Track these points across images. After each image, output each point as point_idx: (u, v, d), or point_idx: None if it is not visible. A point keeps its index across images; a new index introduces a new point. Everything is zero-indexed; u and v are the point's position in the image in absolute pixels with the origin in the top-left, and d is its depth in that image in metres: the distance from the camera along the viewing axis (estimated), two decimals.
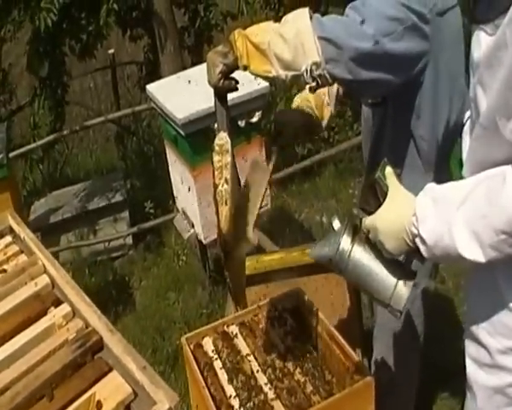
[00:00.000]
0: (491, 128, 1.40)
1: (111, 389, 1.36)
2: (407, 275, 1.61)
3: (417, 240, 1.47)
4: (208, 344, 2.14)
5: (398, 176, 1.59)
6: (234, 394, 1.93)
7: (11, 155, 4.08)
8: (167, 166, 3.97)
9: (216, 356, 2.08)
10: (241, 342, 2.14)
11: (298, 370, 2.00)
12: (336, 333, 2.05)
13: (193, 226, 3.73)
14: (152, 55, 5.94)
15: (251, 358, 2.07)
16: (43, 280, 1.74)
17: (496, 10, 1.35)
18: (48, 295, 1.71)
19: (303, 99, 2.42)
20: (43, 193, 5.67)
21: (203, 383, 1.94)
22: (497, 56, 1.35)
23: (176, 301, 4.39)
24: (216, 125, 2.05)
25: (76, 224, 5.07)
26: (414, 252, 1.51)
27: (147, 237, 5.23)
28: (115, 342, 1.47)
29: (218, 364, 2.05)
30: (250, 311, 2.29)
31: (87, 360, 1.46)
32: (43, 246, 1.91)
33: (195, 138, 3.37)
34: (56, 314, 1.62)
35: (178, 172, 3.73)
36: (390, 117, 2.17)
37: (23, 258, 1.88)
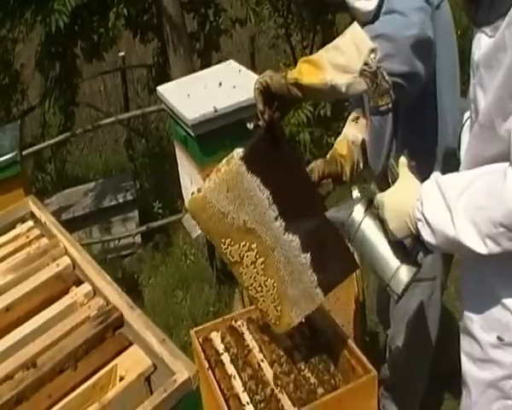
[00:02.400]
0: (489, 126, 1.46)
1: (132, 361, 1.41)
2: (411, 262, 1.66)
3: (419, 224, 1.52)
4: (216, 338, 2.20)
5: (412, 167, 1.64)
6: (241, 387, 1.98)
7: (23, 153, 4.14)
8: (176, 168, 4.03)
9: (224, 350, 2.13)
10: (248, 337, 2.19)
11: (304, 365, 2.05)
12: (341, 329, 2.10)
13: None
14: (161, 59, 6.00)
15: (258, 352, 2.11)
16: (65, 261, 1.79)
17: (496, 13, 1.41)
18: (69, 275, 1.75)
19: (337, 152, 2.46)
20: (52, 192, 5.74)
21: (212, 376, 1.99)
22: (497, 58, 1.41)
23: (183, 299, 4.45)
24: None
25: (86, 222, 5.14)
26: (414, 239, 1.57)
27: (155, 237, 5.30)
28: (135, 318, 1.52)
29: (226, 357, 2.10)
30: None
31: (108, 335, 1.50)
32: (64, 229, 1.96)
33: (205, 139, 3.43)
34: (78, 293, 1.67)
35: (187, 172, 3.79)
36: (402, 117, 2.25)
37: (45, 241, 1.93)
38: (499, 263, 1.51)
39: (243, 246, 1.85)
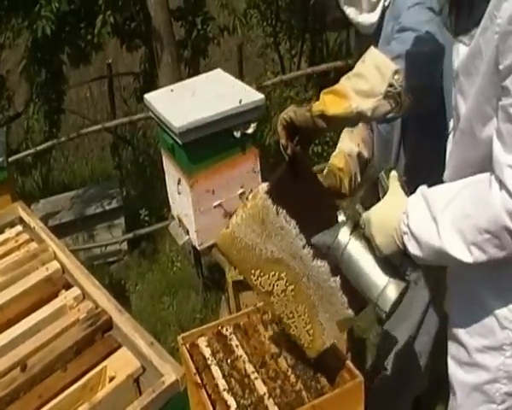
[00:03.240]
0: (469, 132, 1.49)
1: (121, 363, 1.43)
2: (399, 279, 1.67)
3: (405, 237, 1.54)
4: (203, 344, 2.21)
5: (403, 181, 1.67)
6: (228, 392, 1.99)
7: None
8: (163, 175, 4.04)
9: (211, 355, 2.15)
10: (235, 343, 2.20)
11: (290, 370, 2.06)
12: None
13: (188, 233, 3.79)
14: (149, 66, 6.01)
15: (245, 358, 2.13)
16: (54, 265, 1.81)
17: (472, 21, 1.45)
18: (59, 278, 1.77)
19: (335, 166, 2.49)
20: (38, 198, 5.73)
21: (199, 381, 2.00)
22: (474, 65, 1.44)
23: (170, 306, 4.47)
24: None
25: (73, 228, 5.14)
26: (401, 254, 1.58)
27: (142, 244, 5.31)
28: (124, 321, 1.55)
29: (213, 363, 2.11)
30: (244, 314, 2.36)
31: (97, 337, 1.53)
32: (52, 235, 1.98)
33: (192, 147, 3.43)
34: (68, 296, 1.69)
35: (175, 180, 3.80)
36: (414, 121, 2.27)
37: (34, 245, 1.94)
38: (485, 269, 1.52)
39: (273, 276, 1.89)
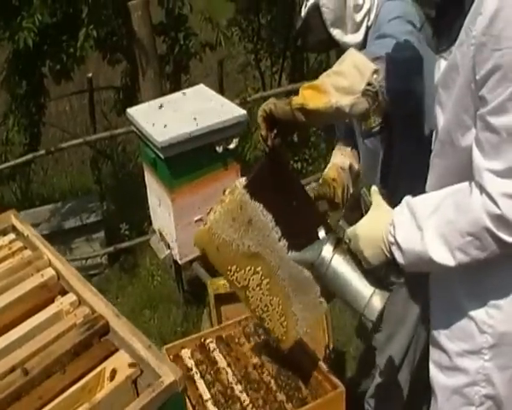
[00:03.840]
0: (448, 142, 1.56)
1: (119, 365, 1.45)
2: (383, 287, 1.74)
3: (393, 248, 1.60)
4: (187, 355, 2.24)
5: (383, 195, 1.73)
6: (212, 402, 2.03)
7: None
8: (143, 190, 4.06)
9: (194, 366, 2.18)
10: (218, 355, 2.24)
11: (272, 381, 2.10)
12: (309, 347, 2.17)
13: (169, 247, 3.81)
14: (130, 81, 6.03)
15: (227, 369, 2.16)
16: (49, 272, 1.79)
17: (451, 38, 1.53)
18: (54, 285, 1.76)
19: (329, 176, 2.56)
20: (17, 211, 5.66)
21: (186, 402, 2.01)
22: (452, 77, 1.51)
23: (151, 319, 4.47)
24: None
25: (52, 241, 5.00)
26: (390, 263, 1.64)
27: (122, 258, 5.31)
28: (121, 325, 1.56)
29: (196, 373, 2.15)
30: (226, 326, 2.40)
31: (94, 341, 1.53)
32: (47, 242, 1.99)
33: (174, 162, 3.47)
34: (64, 302, 1.69)
35: (156, 194, 3.82)
36: (399, 134, 2.34)
37: (28, 253, 1.93)
38: (464, 275, 1.59)
39: (248, 271, 1.94)
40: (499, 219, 1.41)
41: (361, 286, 1.74)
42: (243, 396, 2.04)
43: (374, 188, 1.75)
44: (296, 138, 5.87)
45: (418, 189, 1.68)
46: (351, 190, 2.57)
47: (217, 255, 1.93)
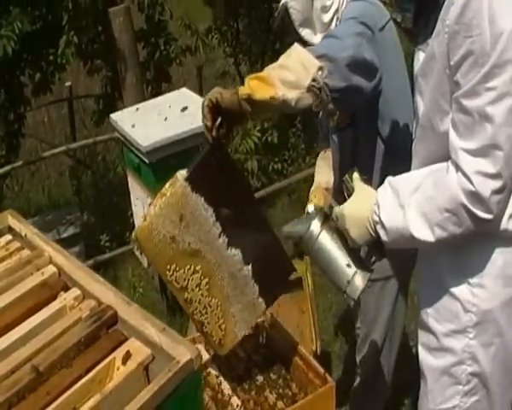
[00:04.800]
0: (429, 127, 1.66)
1: (129, 353, 1.42)
2: (365, 268, 1.81)
3: (378, 226, 1.67)
4: None
5: (366, 180, 1.80)
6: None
7: None
8: (125, 198, 4.00)
9: None
10: (207, 359, 2.17)
11: (263, 381, 2.07)
12: (298, 343, 2.14)
13: None
14: (110, 88, 5.96)
15: (217, 372, 2.12)
16: (50, 270, 1.74)
17: (428, 32, 1.62)
18: (56, 281, 1.71)
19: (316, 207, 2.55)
20: None
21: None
22: (429, 66, 1.61)
23: None
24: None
25: None
26: (375, 242, 1.71)
27: (102, 270, 5.19)
28: (133, 312, 1.52)
29: None
30: None
31: (102, 333, 1.49)
32: (47, 239, 1.92)
33: (159, 166, 3.44)
34: (67, 297, 1.63)
35: (140, 200, 3.77)
36: (362, 130, 2.42)
37: (26, 252, 1.87)
38: (448, 256, 1.68)
39: (188, 270, 1.89)
40: (473, 196, 1.51)
41: (345, 265, 1.80)
42: (234, 399, 2.00)
43: (355, 174, 1.81)
44: (276, 140, 5.86)
45: (381, 179, 1.77)
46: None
47: (156, 254, 1.86)
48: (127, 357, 1.40)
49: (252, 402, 1.99)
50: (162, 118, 3.63)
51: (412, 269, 2.56)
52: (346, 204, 1.76)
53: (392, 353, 2.74)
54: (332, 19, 2.35)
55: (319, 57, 1.92)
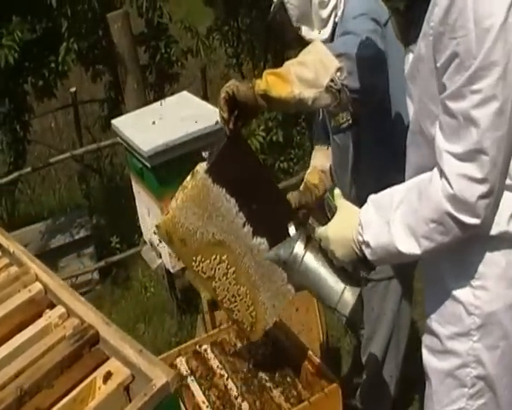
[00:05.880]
0: (419, 132, 1.62)
1: (110, 373, 1.43)
2: (354, 283, 1.78)
3: (363, 246, 1.64)
4: (182, 364, 2.21)
5: (346, 197, 1.77)
6: (209, 407, 2.00)
7: None
8: (132, 202, 4.03)
9: (190, 373, 2.15)
10: (213, 360, 2.22)
11: (269, 382, 2.09)
12: (303, 344, 2.16)
13: (160, 257, 3.78)
14: (114, 93, 6.00)
15: (223, 373, 2.15)
16: (36, 287, 1.77)
17: (417, 33, 1.57)
18: (42, 299, 1.74)
19: (310, 183, 2.64)
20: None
21: (179, 402, 2.00)
22: (418, 68, 1.58)
23: (145, 332, 4.44)
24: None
25: (42, 260, 5.03)
26: (361, 260, 1.67)
27: (113, 272, 5.25)
28: (112, 333, 1.53)
29: (192, 380, 2.12)
30: (221, 331, 2.37)
31: (85, 352, 1.51)
32: (33, 257, 1.96)
33: (161, 170, 3.44)
34: (52, 315, 1.66)
35: (145, 204, 3.79)
36: (364, 131, 2.38)
37: (14, 269, 1.91)
38: (450, 259, 1.64)
39: (214, 260, 1.90)
40: (454, 199, 1.47)
41: (333, 282, 1.77)
42: (240, 400, 2.03)
43: (337, 191, 1.78)
44: (281, 138, 5.86)
45: (386, 184, 1.70)
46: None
47: (181, 246, 1.89)
48: (108, 376, 1.42)
49: (258, 403, 2.01)
50: (164, 122, 3.65)
51: (413, 269, 2.56)
52: (329, 225, 1.73)
53: (399, 352, 2.72)
54: (330, 14, 2.30)
55: (338, 56, 1.89)
